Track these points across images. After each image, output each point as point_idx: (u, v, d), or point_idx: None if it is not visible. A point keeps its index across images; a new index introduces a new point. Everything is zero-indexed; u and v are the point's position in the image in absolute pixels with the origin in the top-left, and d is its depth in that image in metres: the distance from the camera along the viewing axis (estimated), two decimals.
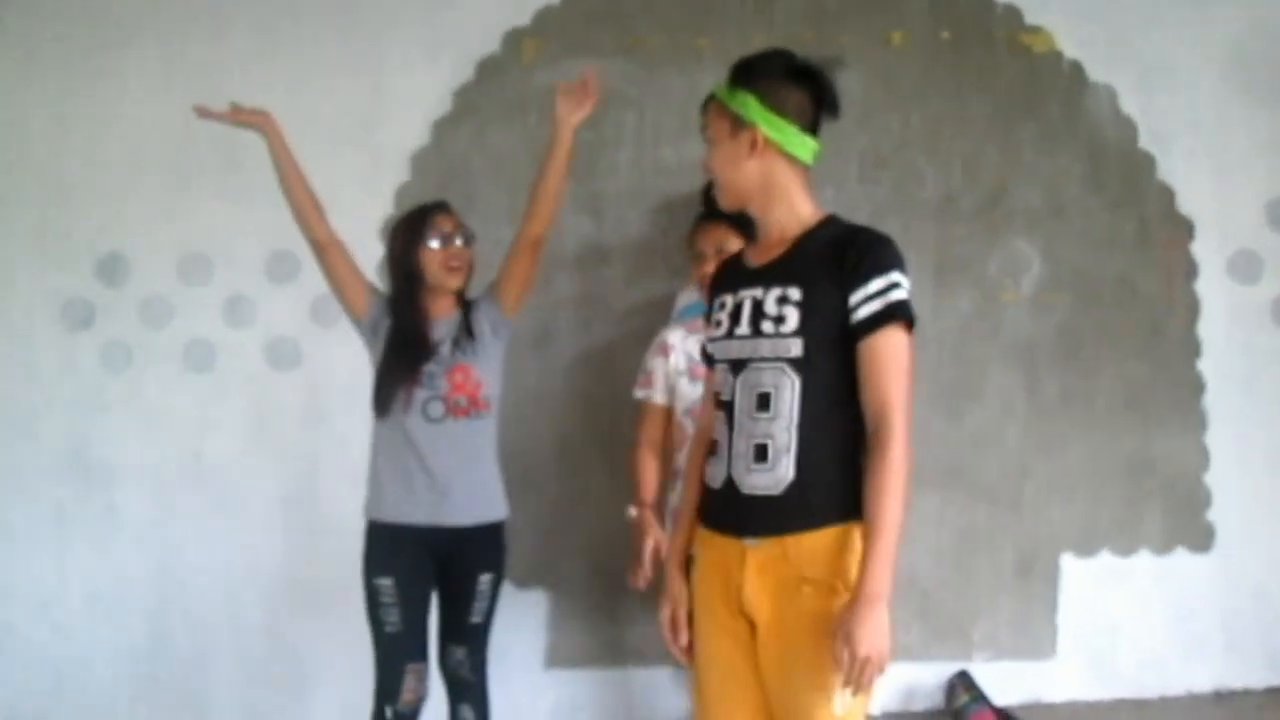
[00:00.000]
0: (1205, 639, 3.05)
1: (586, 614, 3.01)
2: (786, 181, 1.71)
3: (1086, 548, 3.05)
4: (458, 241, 2.38)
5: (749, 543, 1.66)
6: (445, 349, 2.35)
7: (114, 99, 3.00)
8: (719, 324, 1.76)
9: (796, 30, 3.02)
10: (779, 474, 1.65)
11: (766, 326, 1.67)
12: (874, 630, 1.52)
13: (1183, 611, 3.05)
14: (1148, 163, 3.07)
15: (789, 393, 1.65)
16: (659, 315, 2.92)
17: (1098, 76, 3.06)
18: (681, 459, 2.51)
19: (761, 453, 1.66)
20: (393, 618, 2.30)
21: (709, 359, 1.83)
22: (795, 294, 1.65)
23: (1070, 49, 3.07)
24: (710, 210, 2.55)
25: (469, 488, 2.33)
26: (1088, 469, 3.04)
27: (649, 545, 2.41)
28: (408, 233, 2.41)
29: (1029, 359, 3.06)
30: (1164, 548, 3.05)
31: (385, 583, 2.31)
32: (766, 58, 1.73)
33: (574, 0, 3.02)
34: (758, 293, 1.70)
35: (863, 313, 1.61)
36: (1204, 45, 3.06)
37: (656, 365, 2.55)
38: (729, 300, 1.75)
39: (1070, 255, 3.06)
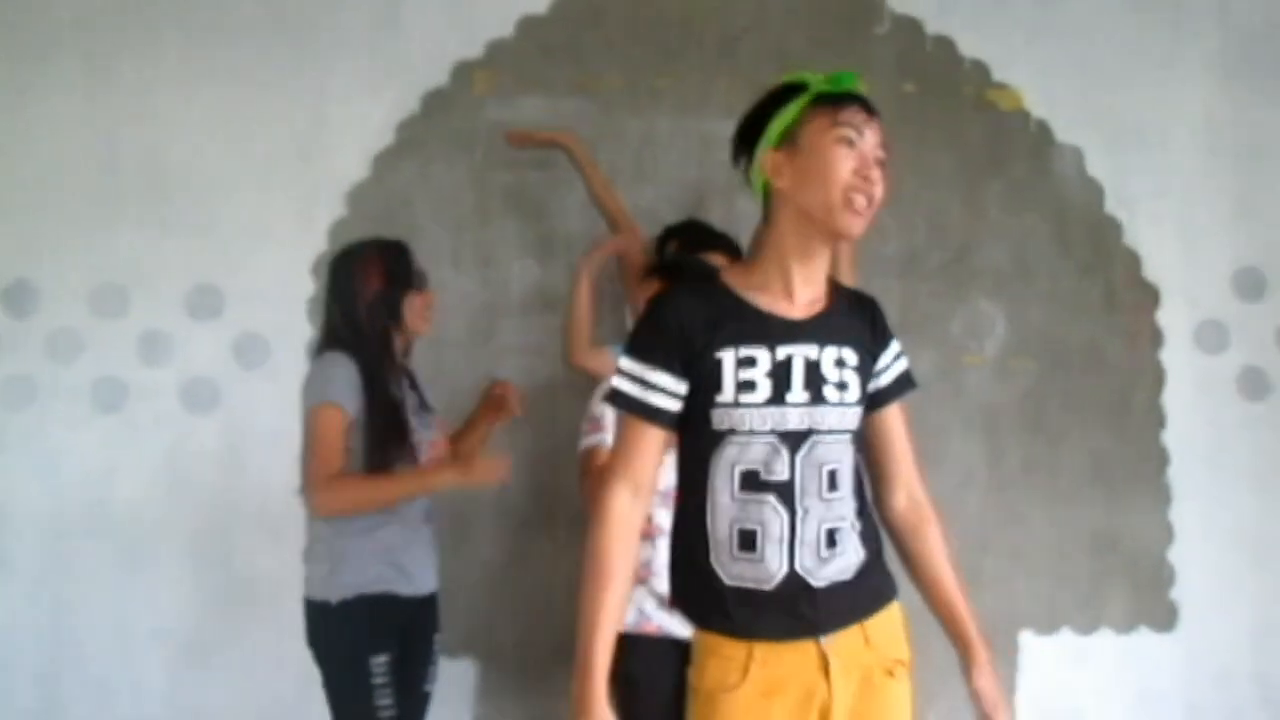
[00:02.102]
0: None
1: (519, 684, 2.81)
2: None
3: (1047, 625, 2.91)
4: (428, 286, 2.27)
5: (824, 641, 1.49)
6: (411, 416, 2.18)
7: (32, 115, 2.80)
8: (749, 386, 1.46)
9: (760, 74, 2.89)
10: (850, 557, 1.51)
11: (830, 393, 1.48)
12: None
13: (1145, 694, 2.92)
14: (1114, 227, 2.99)
15: (849, 468, 1.53)
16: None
17: (1065, 137, 2.98)
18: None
19: (832, 538, 1.49)
20: (386, 701, 2.04)
21: (664, 416, 1.49)
22: (852, 358, 1.51)
23: (1037, 108, 2.99)
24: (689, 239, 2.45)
25: (432, 556, 2.22)
26: (1050, 543, 2.92)
27: None
28: (391, 270, 2.18)
29: (991, 426, 2.94)
30: (1126, 626, 2.92)
31: (381, 660, 2.05)
32: None
33: (528, 33, 2.89)
34: (810, 351, 1.47)
35: (888, 378, 1.58)
36: (1174, 109, 2.99)
37: (608, 409, 2.26)
38: (762, 356, 1.46)
39: (1035, 319, 2.96)
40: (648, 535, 2.21)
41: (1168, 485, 2.94)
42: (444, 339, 2.84)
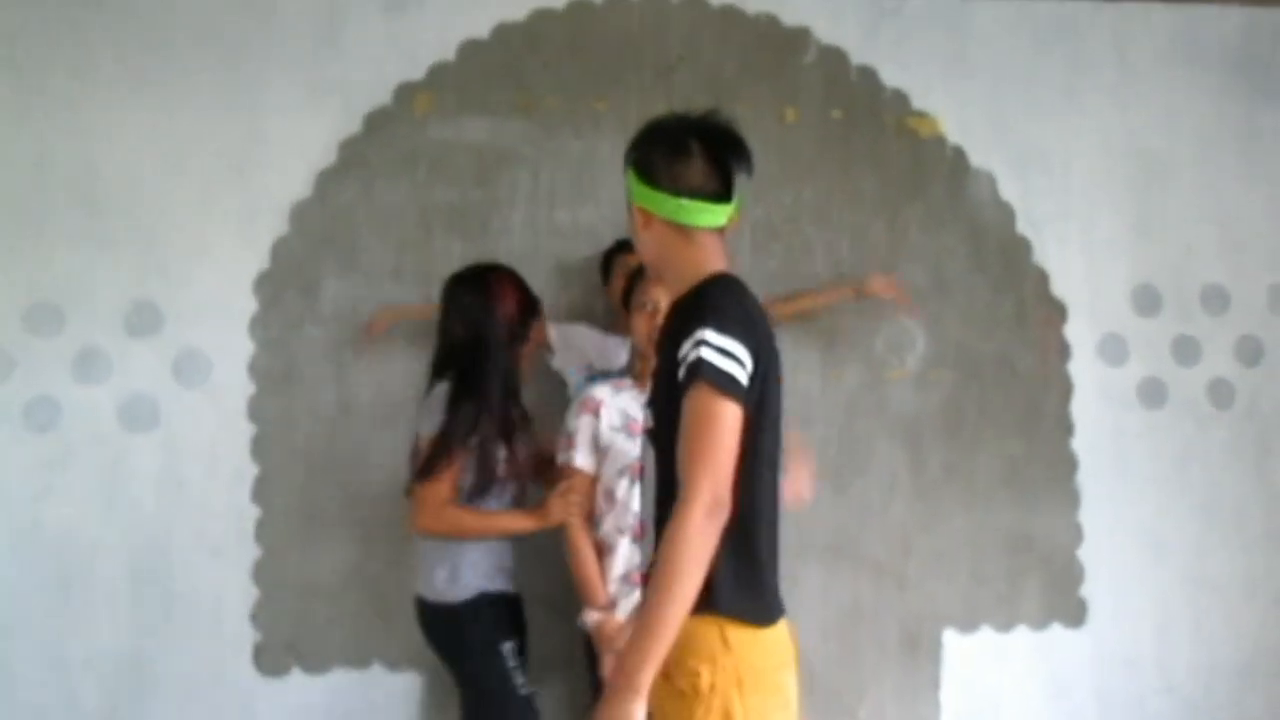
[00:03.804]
0: (1081, 711, 3.10)
1: None
2: (676, 250, 1.68)
3: (968, 623, 3.07)
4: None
5: None
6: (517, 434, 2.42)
7: None
8: None
9: (693, 99, 2.99)
10: (648, 549, 1.66)
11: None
12: None
13: (1059, 686, 3.10)
14: (1024, 246, 3.18)
15: (651, 467, 1.67)
16: (550, 381, 2.83)
17: (979, 162, 3.17)
18: (608, 525, 2.31)
19: (644, 528, 1.70)
20: (521, 680, 2.31)
21: None
22: (655, 363, 1.69)
23: (953, 135, 3.17)
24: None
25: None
26: (969, 545, 3.08)
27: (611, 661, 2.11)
28: (528, 316, 2.45)
29: (913, 434, 3.09)
30: (1041, 623, 3.10)
31: (509, 645, 2.33)
32: (643, 130, 1.73)
33: (470, 56, 2.95)
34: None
35: (678, 377, 1.56)
36: (1076, 137, 3.21)
37: (582, 425, 2.31)
38: None
39: (953, 333, 3.13)
40: (641, 536, 2.27)
41: (1076, 488, 3.14)
42: (386, 355, 2.88)
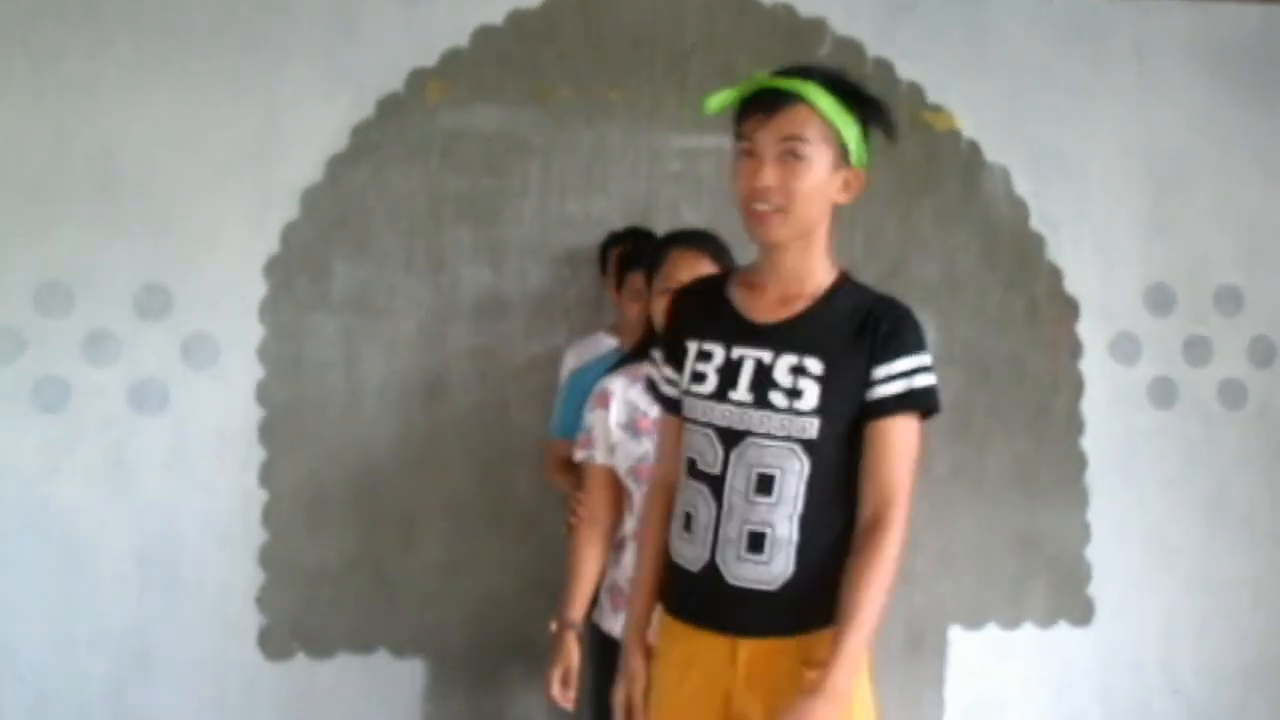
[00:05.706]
0: (1085, 711, 3.10)
1: (468, 684, 2.85)
2: (827, 227, 1.55)
3: (974, 621, 3.07)
4: None
5: (742, 643, 1.52)
6: None
7: None
8: (700, 377, 1.55)
9: (708, 91, 2.99)
10: (776, 568, 1.51)
11: (777, 399, 1.50)
12: None
13: (1064, 684, 3.10)
14: (1038, 243, 3.16)
15: (795, 478, 1.49)
16: (559, 370, 2.82)
17: (994, 157, 3.14)
18: (627, 529, 2.14)
19: (757, 542, 1.51)
20: None
21: (672, 405, 1.63)
22: (816, 367, 1.49)
23: (969, 129, 3.14)
24: (677, 237, 2.20)
25: None
26: (976, 542, 3.07)
27: (556, 673, 2.03)
28: None
29: (923, 431, 3.07)
30: (1047, 621, 3.10)
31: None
32: (872, 94, 1.60)
33: (483, 44, 2.93)
34: (764, 355, 1.52)
35: (881, 392, 1.49)
36: (1092, 135, 3.18)
37: (596, 419, 2.13)
38: (718, 352, 1.55)
39: (964, 330, 3.11)
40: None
41: (1085, 488, 3.12)
42: (396, 342, 2.88)
